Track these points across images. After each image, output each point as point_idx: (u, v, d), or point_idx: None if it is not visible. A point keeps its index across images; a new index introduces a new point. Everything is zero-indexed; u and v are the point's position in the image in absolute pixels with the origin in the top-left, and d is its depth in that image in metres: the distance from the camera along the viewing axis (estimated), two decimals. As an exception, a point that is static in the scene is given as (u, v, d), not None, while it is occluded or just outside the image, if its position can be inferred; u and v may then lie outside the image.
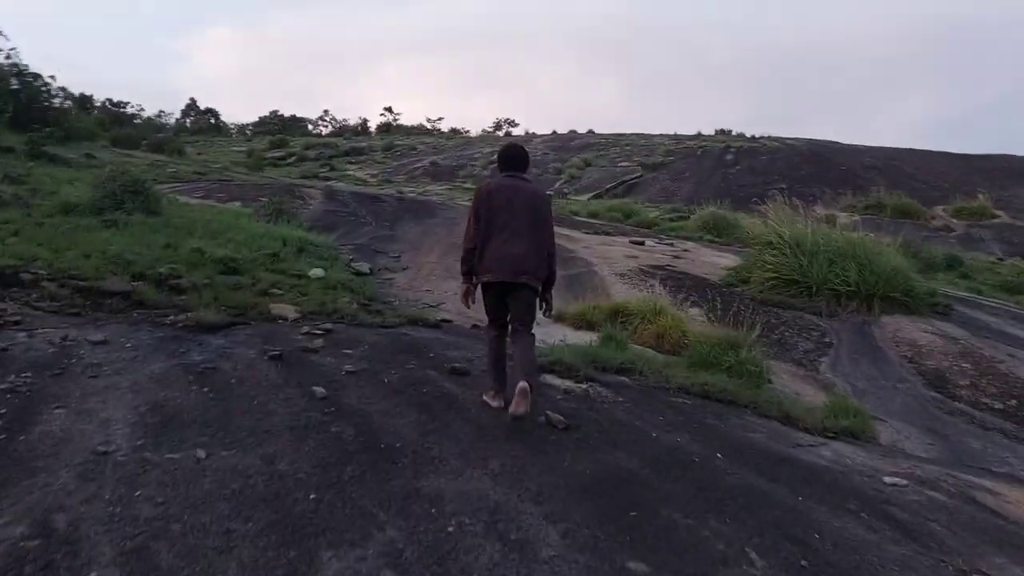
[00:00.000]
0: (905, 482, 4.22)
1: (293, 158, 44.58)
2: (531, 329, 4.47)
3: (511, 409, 4.01)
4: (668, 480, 3.69)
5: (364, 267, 8.85)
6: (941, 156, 42.27)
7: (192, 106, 74.94)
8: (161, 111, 70.20)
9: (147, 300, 5.78)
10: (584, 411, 4.68)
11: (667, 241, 12.99)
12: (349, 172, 40.34)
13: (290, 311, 6.34)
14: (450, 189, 33.85)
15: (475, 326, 7.28)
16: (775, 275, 8.93)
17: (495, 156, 5.11)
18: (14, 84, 17.81)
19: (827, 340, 7.88)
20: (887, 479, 4.23)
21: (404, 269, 9.13)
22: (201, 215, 9.30)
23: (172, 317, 5.53)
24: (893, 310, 8.67)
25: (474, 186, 36.31)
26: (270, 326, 5.86)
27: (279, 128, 66.61)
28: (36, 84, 18.40)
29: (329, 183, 26.81)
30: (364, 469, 3.33)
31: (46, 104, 18.37)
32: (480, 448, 3.78)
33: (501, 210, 4.38)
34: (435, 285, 8.63)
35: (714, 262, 11.12)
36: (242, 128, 73.41)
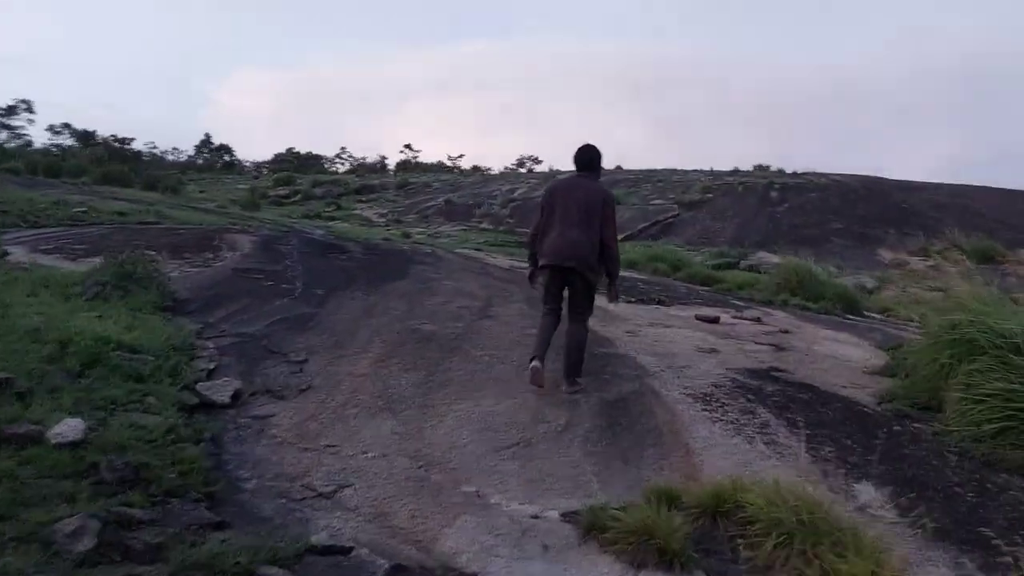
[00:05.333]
0: None
1: (299, 196, 41.69)
2: (584, 320, 5.18)
3: (528, 378, 4.90)
4: None
5: (222, 392, 4.71)
6: (1011, 194, 37.97)
7: (206, 143, 72.38)
8: (174, 148, 67.77)
9: None
10: None
11: (748, 313, 8.74)
12: (357, 211, 37.10)
13: None
14: (464, 230, 30.07)
15: (399, 568, 3.12)
16: (1005, 407, 4.65)
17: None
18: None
19: None
20: None
21: (303, 391, 4.96)
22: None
23: None
24: None
25: (491, 227, 32.85)
26: None
27: (295, 166, 64.16)
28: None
29: (332, 224, 23.12)
30: None
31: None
32: None
33: (558, 204, 5.13)
34: (351, 431, 4.45)
35: (841, 355, 6.86)
36: (258, 165, 71.00)
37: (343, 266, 9.23)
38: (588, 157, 5.35)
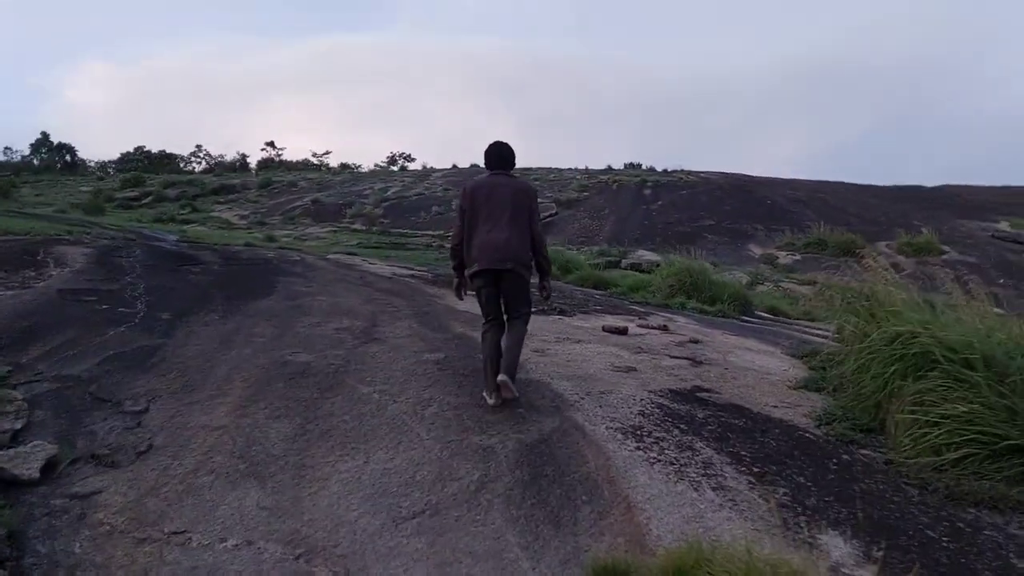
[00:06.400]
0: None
1: (150, 198, 38.88)
2: (526, 319, 4.91)
3: (491, 400, 4.57)
4: None
5: (30, 463, 3.57)
6: (862, 188, 40.47)
7: (43, 141, 66.68)
8: (7, 147, 62.27)
9: None
10: None
11: (653, 320, 8.20)
12: (215, 213, 34.87)
13: None
14: (335, 231, 28.67)
15: None
16: (965, 430, 4.18)
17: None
18: None
19: None
20: None
21: (142, 453, 3.87)
22: None
23: None
24: None
25: (364, 227, 31.52)
26: None
27: (145, 165, 60.31)
28: None
29: (187, 228, 21.15)
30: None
31: None
32: None
33: (482, 205, 4.74)
34: (205, 509, 3.43)
35: (759, 367, 6.37)
36: (104, 166, 66.28)
37: (197, 282, 7.96)
38: (501, 154, 4.99)
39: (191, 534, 3.24)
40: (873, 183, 40.57)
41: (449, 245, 5.04)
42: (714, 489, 3.81)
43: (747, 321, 9.73)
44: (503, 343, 4.70)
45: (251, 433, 4.10)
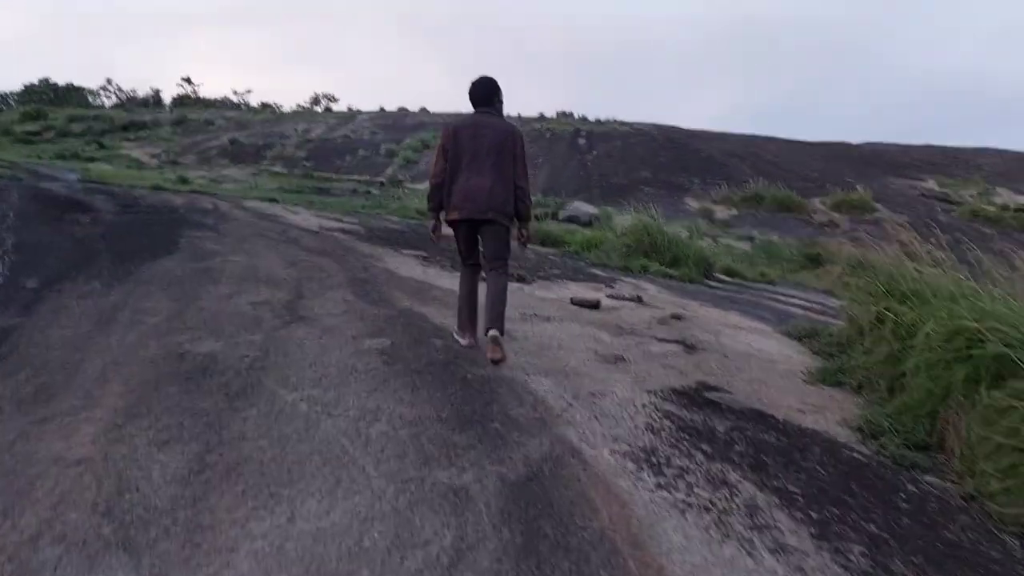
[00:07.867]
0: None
1: (52, 133, 36.19)
2: (506, 269, 4.64)
3: (488, 355, 4.30)
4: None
5: None
6: (793, 144, 40.57)
7: (-70, 68, 61.29)
8: None
9: None
10: None
11: (622, 289, 7.18)
12: (124, 151, 32.51)
13: None
14: (254, 175, 26.76)
15: None
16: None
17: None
18: None
19: None
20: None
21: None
22: None
23: None
24: None
25: (285, 170, 29.72)
26: None
27: (50, 98, 56.57)
28: None
29: (91, 166, 18.99)
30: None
31: None
32: None
33: (466, 147, 4.43)
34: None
35: (758, 351, 5.42)
36: (4, 97, 62.14)
37: (83, 235, 6.48)
38: (487, 91, 4.62)
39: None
40: (801, 139, 40.74)
41: (430, 184, 4.58)
42: (772, 551, 2.81)
43: (714, 287, 8.85)
44: (488, 297, 4.50)
45: (126, 471, 2.87)
